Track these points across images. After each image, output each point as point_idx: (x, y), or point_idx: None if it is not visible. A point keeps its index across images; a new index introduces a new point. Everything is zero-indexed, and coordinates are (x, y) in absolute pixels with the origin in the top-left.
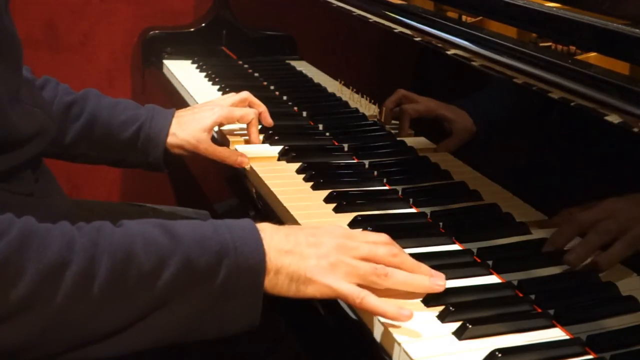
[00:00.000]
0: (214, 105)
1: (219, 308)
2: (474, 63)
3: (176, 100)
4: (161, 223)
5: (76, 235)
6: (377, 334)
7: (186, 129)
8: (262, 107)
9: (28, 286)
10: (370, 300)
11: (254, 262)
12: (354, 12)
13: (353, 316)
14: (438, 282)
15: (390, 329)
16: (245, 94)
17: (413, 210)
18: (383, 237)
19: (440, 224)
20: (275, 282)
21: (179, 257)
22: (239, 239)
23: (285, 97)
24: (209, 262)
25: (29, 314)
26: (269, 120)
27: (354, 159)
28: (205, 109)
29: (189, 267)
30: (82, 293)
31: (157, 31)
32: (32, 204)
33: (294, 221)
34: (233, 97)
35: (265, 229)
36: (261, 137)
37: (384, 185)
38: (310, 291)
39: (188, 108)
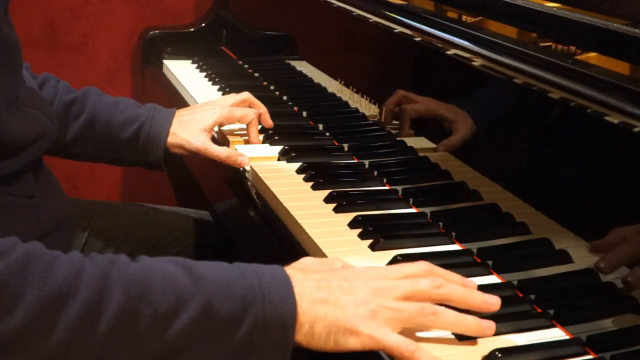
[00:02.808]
0: (215, 105)
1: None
2: (474, 63)
3: (176, 100)
4: (183, 262)
5: (86, 264)
6: None
7: (186, 129)
8: (263, 108)
9: (26, 315)
10: (423, 355)
11: (284, 312)
12: (354, 12)
13: None
14: (490, 325)
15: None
16: (245, 95)
17: (413, 210)
18: (422, 265)
19: (440, 224)
20: (312, 336)
21: (199, 299)
22: (268, 286)
23: (285, 97)
24: (233, 308)
25: (25, 346)
26: (269, 122)
27: (354, 159)
28: (205, 108)
29: (209, 312)
30: (87, 329)
31: (157, 31)
32: (33, 205)
33: (294, 221)
34: (234, 97)
35: (294, 275)
36: (261, 137)
37: (384, 185)
38: (352, 344)
39: (188, 108)
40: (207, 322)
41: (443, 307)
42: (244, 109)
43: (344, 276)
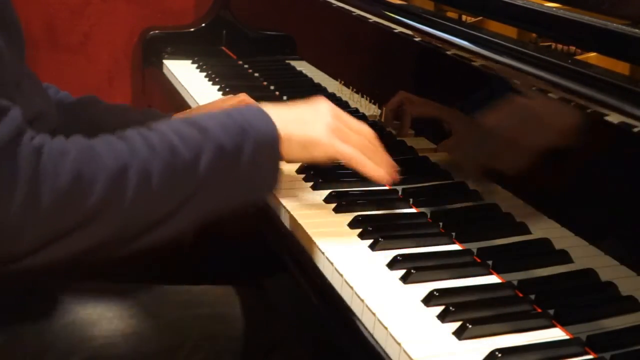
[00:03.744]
0: (213, 107)
1: (249, 178)
2: (474, 63)
3: (176, 100)
4: (185, 120)
5: (125, 143)
6: (379, 335)
7: None
8: None
9: (102, 191)
10: (368, 163)
11: (269, 134)
12: (354, 12)
13: (354, 317)
14: (384, 176)
15: (390, 329)
16: (242, 96)
17: (413, 210)
18: (365, 131)
19: (440, 224)
20: (290, 149)
21: (211, 144)
22: (251, 119)
23: (285, 97)
24: (235, 142)
25: (103, 216)
26: None
27: None
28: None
29: (220, 150)
30: (144, 188)
31: (157, 31)
32: None
33: (294, 221)
34: (232, 99)
35: (267, 107)
36: None
37: (384, 185)
38: (317, 153)
39: (186, 112)
40: (220, 158)
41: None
42: None
43: (307, 103)
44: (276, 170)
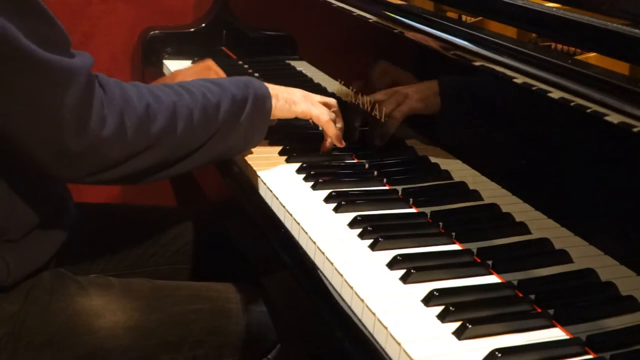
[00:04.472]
0: (184, 73)
1: (252, 123)
2: (474, 63)
3: None
4: (207, 80)
5: (171, 89)
6: (379, 335)
7: None
8: (221, 72)
9: (162, 121)
10: (331, 123)
11: (264, 91)
12: (354, 12)
13: (355, 316)
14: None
15: (390, 329)
16: (209, 62)
17: (413, 210)
18: (331, 103)
19: (440, 224)
20: (277, 104)
21: (227, 95)
22: (250, 81)
23: None
24: (243, 95)
25: (165, 139)
26: None
27: (354, 159)
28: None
29: (234, 100)
30: (188, 122)
31: (157, 31)
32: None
33: (293, 221)
34: (198, 64)
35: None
36: None
37: (384, 185)
38: (297, 109)
39: (160, 79)
40: (234, 105)
41: (330, 121)
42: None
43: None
44: (268, 120)
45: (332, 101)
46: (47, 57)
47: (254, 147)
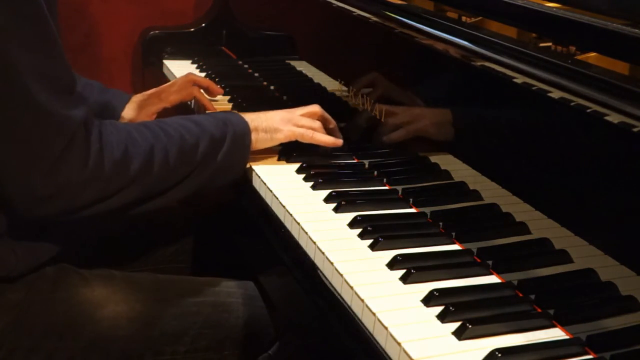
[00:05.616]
0: (162, 89)
1: (231, 160)
2: (474, 63)
3: None
4: (187, 118)
5: (149, 130)
6: (379, 335)
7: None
8: (206, 82)
9: (139, 163)
10: (317, 135)
11: (243, 127)
12: (354, 12)
13: (355, 317)
14: (336, 142)
15: (390, 329)
16: (189, 76)
17: (413, 210)
18: (315, 110)
19: (440, 224)
20: (257, 138)
21: (206, 135)
22: (228, 117)
23: (285, 97)
24: (222, 133)
25: (142, 179)
26: (218, 90)
27: (354, 159)
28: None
29: (212, 139)
30: (165, 163)
31: (157, 31)
32: None
33: (293, 221)
34: (177, 81)
35: (237, 112)
36: None
37: (384, 185)
38: (279, 136)
39: (145, 93)
40: (213, 145)
41: (317, 133)
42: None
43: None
44: (246, 158)
45: (315, 108)
46: (44, 102)
47: (236, 178)
